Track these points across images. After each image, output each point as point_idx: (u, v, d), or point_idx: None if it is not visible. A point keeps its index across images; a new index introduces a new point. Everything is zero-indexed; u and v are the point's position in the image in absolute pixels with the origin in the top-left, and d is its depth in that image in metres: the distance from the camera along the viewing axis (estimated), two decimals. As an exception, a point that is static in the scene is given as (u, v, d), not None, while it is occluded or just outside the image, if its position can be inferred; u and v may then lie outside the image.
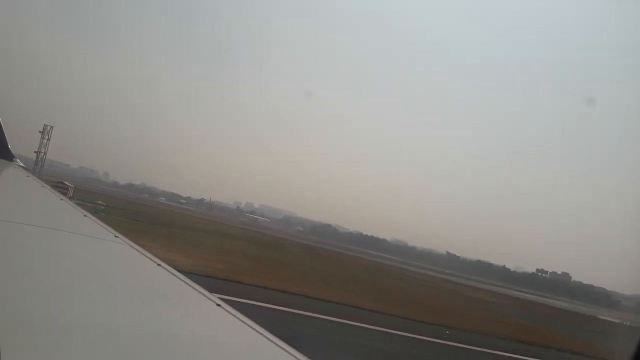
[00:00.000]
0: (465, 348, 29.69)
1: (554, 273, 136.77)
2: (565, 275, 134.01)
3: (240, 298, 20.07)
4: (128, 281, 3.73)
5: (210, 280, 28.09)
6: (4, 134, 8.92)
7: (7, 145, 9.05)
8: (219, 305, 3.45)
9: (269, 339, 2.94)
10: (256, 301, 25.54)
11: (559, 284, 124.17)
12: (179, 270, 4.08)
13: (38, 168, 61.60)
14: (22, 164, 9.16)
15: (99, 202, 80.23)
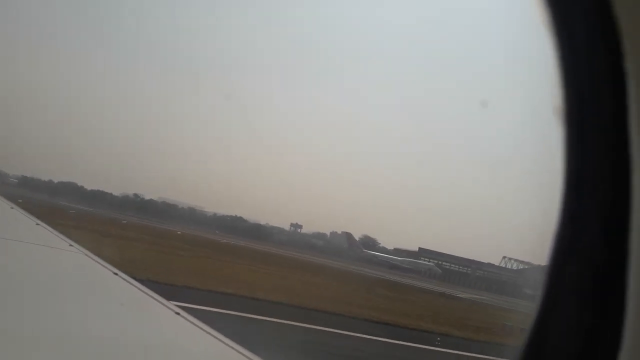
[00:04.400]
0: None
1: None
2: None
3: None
4: (84, 290, 3.64)
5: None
6: None
7: None
8: (177, 314, 3.41)
9: (229, 346, 2.94)
10: None
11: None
12: (135, 279, 4.05)
13: None
14: None
15: None
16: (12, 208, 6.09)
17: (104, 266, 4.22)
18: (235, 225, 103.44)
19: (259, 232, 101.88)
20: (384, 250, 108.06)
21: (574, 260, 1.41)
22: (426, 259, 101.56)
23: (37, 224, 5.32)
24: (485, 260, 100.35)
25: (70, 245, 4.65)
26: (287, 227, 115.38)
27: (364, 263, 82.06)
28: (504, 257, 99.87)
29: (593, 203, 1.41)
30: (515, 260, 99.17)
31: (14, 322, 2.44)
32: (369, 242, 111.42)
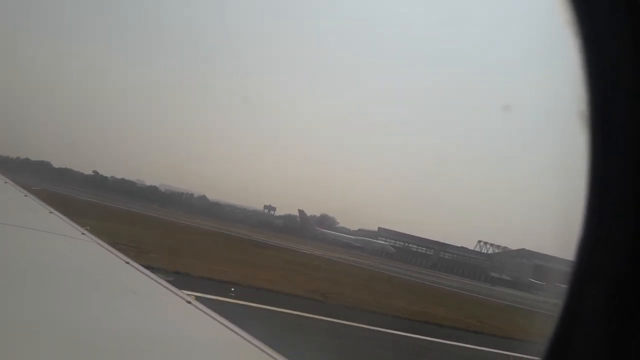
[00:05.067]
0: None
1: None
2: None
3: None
4: (96, 279, 3.67)
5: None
6: None
7: None
8: (189, 302, 3.46)
9: (240, 335, 2.98)
10: None
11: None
12: (147, 268, 4.09)
13: None
14: None
15: None
16: (26, 196, 6.06)
17: (115, 255, 4.25)
18: (191, 203, 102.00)
19: (213, 210, 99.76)
20: (347, 230, 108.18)
21: (599, 266, 1.42)
22: (386, 239, 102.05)
23: (51, 212, 5.30)
24: (460, 244, 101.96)
25: (83, 233, 4.66)
26: (260, 208, 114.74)
27: (312, 241, 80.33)
28: (479, 242, 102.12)
29: (619, 206, 1.41)
30: (491, 244, 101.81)
31: (27, 309, 2.46)
32: (327, 221, 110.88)
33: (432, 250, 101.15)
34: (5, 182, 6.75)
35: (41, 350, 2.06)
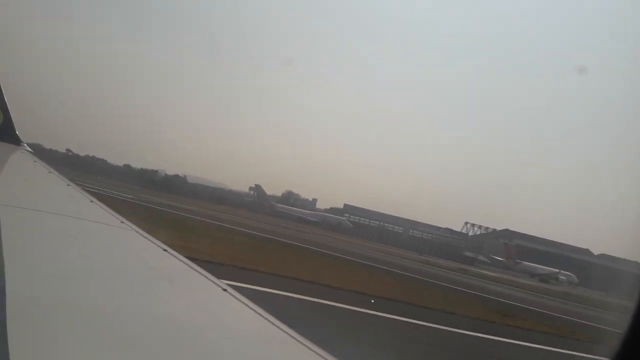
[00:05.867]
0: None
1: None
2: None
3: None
4: (134, 267, 3.75)
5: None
6: (11, 118, 8.75)
7: (15, 130, 8.84)
8: (225, 290, 3.50)
9: (274, 324, 3.00)
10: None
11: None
12: (185, 256, 4.12)
13: None
14: (29, 149, 8.91)
15: None
16: (68, 185, 6.12)
17: (153, 243, 4.30)
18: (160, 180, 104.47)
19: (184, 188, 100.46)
20: (318, 209, 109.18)
21: None
22: (356, 217, 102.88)
23: (92, 201, 5.38)
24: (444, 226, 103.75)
25: (122, 222, 4.70)
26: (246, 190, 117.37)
27: (265, 216, 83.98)
28: (466, 223, 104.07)
29: None
30: (479, 226, 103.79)
31: (67, 296, 2.52)
32: (289, 198, 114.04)
33: (402, 229, 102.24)
34: (50, 172, 6.80)
35: (81, 336, 2.08)
